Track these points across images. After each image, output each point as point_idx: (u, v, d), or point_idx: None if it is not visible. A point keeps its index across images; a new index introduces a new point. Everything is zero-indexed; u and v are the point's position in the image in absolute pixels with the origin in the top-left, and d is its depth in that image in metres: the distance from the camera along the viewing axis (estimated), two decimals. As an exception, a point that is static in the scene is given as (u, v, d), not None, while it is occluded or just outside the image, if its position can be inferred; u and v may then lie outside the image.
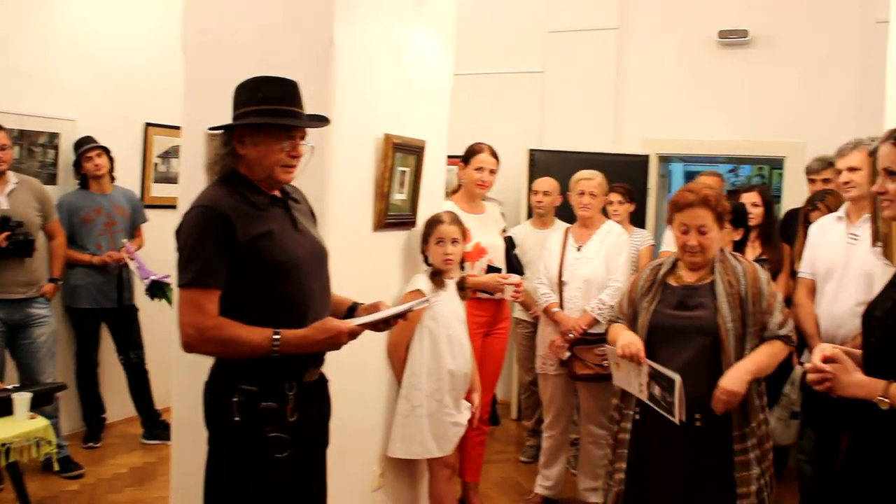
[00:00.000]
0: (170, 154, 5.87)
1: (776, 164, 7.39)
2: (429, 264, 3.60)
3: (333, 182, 3.08)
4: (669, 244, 4.63)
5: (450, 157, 4.10)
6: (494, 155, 4.14)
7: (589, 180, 4.25)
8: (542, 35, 6.62)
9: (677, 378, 2.68)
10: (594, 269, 4.15)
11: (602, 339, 3.99)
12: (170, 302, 4.83)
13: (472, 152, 4.13)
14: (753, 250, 4.38)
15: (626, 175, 5.53)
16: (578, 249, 4.25)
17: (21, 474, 3.69)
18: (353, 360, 3.13)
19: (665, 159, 6.79)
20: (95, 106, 5.31)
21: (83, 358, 5.11)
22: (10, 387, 3.78)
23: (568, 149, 6.04)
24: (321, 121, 2.46)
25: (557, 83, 6.54)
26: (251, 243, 2.22)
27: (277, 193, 2.39)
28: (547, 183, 5.00)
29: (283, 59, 3.03)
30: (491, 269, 4.02)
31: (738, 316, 2.83)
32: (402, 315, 2.43)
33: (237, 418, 2.24)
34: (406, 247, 3.65)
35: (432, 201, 3.78)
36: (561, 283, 4.21)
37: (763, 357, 2.82)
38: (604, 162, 5.27)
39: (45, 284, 4.63)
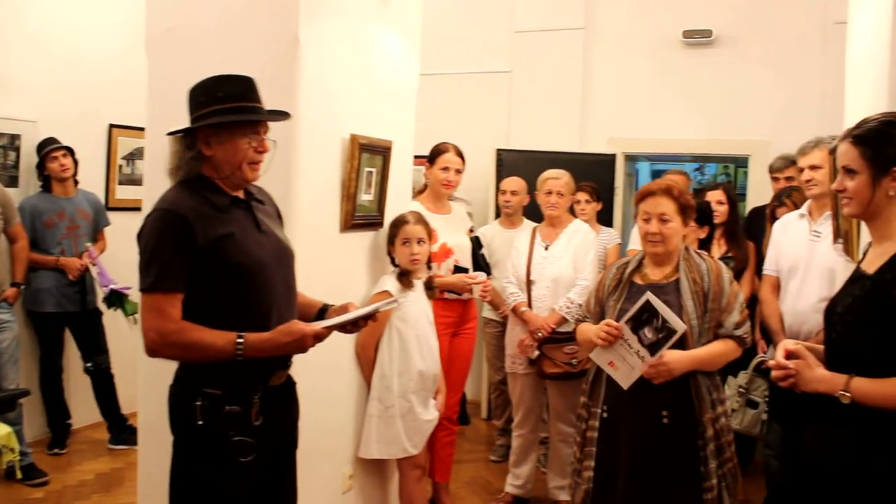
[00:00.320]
0: (135, 156, 5.79)
1: (741, 162, 7.46)
2: (395, 265, 3.60)
3: (300, 183, 3.06)
4: (636, 242, 4.66)
5: (417, 157, 4.09)
6: (460, 154, 4.14)
7: (556, 180, 4.27)
8: (508, 35, 6.63)
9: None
10: (562, 268, 4.17)
11: (570, 337, 4.03)
12: (126, 313, 4.78)
13: (437, 152, 4.13)
14: (719, 248, 4.43)
15: (593, 174, 5.55)
16: (546, 248, 4.26)
17: (-17, 483, 3.63)
18: (321, 362, 3.12)
19: (631, 158, 6.84)
20: (58, 107, 5.23)
21: (47, 363, 5.03)
22: (-29, 393, 3.72)
23: (535, 148, 6.06)
24: (282, 115, 2.45)
25: (524, 83, 6.56)
26: (212, 245, 2.19)
27: (240, 194, 2.37)
28: (515, 182, 5.01)
29: (247, 58, 2.99)
30: (458, 269, 4.02)
31: (701, 313, 2.87)
32: (370, 316, 2.41)
33: (200, 422, 2.21)
34: (373, 248, 3.64)
35: (399, 202, 3.77)
36: (529, 283, 4.23)
37: (713, 351, 2.86)
38: (571, 161, 5.30)
39: (8, 289, 4.56)
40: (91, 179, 5.37)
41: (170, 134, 2.35)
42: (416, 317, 3.53)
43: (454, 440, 4.31)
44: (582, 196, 5.00)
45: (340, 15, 3.26)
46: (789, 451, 3.58)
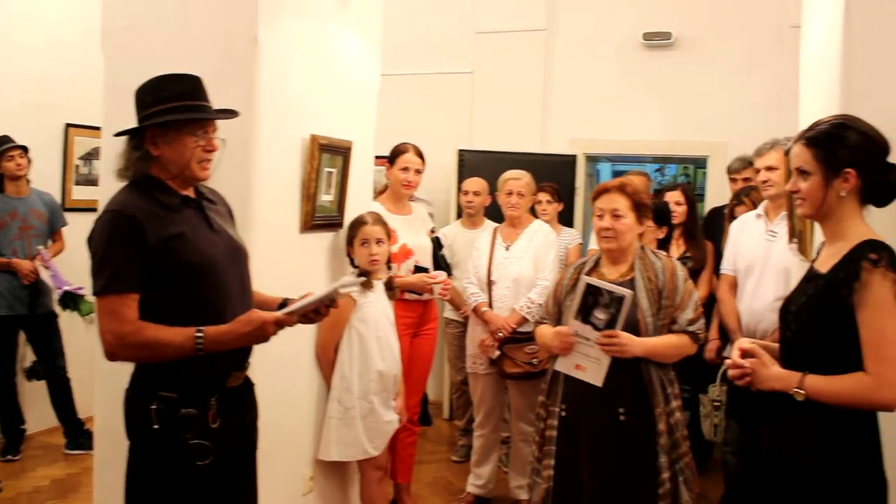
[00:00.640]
0: (92, 156, 5.71)
1: (700, 163, 7.55)
2: (355, 266, 3.58)
3: (259, 183, 3.04)
4: (595, 243, 4.70)
5: (378, 157, 4.08)
6: (420, 155, 4.14)
7: (516, 180, 4.29)
8: (470, 36, 6.64)
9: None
10: (523, 269, 4.19)
11: (531, 337, 4.03)
12: (81, 313, 4.71)
13: (397, 152, 4.12)
14: (678, 248, 4.48)
15: (555, 175, 5.58)
16: (507, 249, 4.27)
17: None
18: (280, 363, 3.10)
19: (592, 159, 6.89)
20: (12, 106, 5.13)
21: (0, 367, 4.93)
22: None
23: (497, 149, 6.08)
24: (230, 113, 2.42)
25: (486, 84, 6.57)
26: (163, 245, 2.17)
27: (191, 194, 2.35)
28: (477, 183, 5.01)
29: (206, 58, 2.97)
30: (418, 269, 4.02)
31: (656, 311, 2.90)
32: (331, 302, 2.37)
33: (156, 426, 2.18)
34: (333, 248, 3.62)
35: (360, 202, 3.75)
36: (490, 283, 4.23)
37: (666, 342, 2.89)
38: (532, 162, 5.32)
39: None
40: (47, 179, 5.28)
41: (117, 135, 2.32)
42: (376, 317, 3.51)
43: (415, 441, 4.30)
44: (543, 196, 5.02)
45: (300, 15, 3.24)
46: (746, 449, 3.62)
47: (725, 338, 4.03)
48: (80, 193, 5.67)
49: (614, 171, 8.97)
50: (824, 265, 2.10)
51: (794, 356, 2.13)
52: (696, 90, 6.10)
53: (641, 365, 2.86)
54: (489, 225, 4.77)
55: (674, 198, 4.51)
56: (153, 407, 2.19)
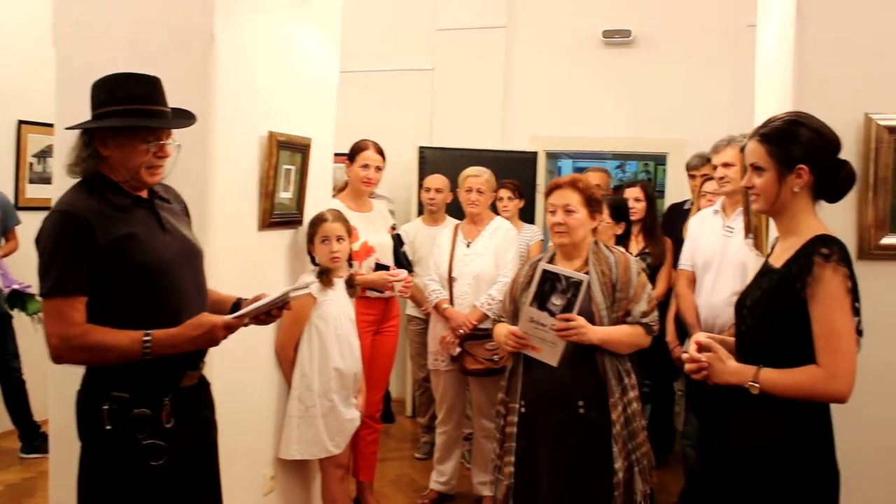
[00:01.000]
0: (46, 153, 5.60)
1: (661, 160, 7.63)
2: (316, 264, 3.56)
3: (216, 181, 3.00)
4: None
5: (339, 154, 4.06)
6: (380, 152, 4.12)
7: (476, 177, 4.29)
8: (430, 33, 6.64)
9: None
10: (483, 265, 4.19)
11: (492, 333, 4.05)
12: (28, 312, 4.63)
13: (357, 149, 4.10)
14: (637, 244, 4.52)
15: (516, 171, 5.60)
16: (468, 246, 4.28)
17: None
18: (239, 361, 3.07)
19: (553, 156, 6.92)
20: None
21: (-49, 370, 4.83)
22: None
23: (457, 146, 6.08)
24: (187, 118, 2.38)
25: (447, 80, 6.58)
26: (113, 246, 2.13)
27: (143, 194, 2.31)
28: (438, 180, 5.01)
29: (161, 54, 2.94)
30: (378, 266, 4.00)
31: (610, 304, 2.93)
32: (283, 305, 2.36)
33: (108, 427, 2.15)
34: (293, 246, 3.59)
35: (319, 199, 3.73)
36: (451, 280, 4.24)
37: (621, 330, 2.91)
38: (493, 158, 5.33)
39: None
40: (-1, 177, 5.17)
41: (68, 128, 2.27)
42: (336, 315, 3.50)
43: (377, 438, 4.29)
44: (504, 193, 5.03)
45: (258, 11, 3.21)
46: (705, 441, 3.66)
47: (683, 332, 4.07)
48: (33, 192, 5.56)
49: (575, 167, 9.01)
50: (778, 260, 2.13)
51: (749, 350, 2.16)
52: (656, 88, 6.15)
53: (597, 355, 2.88)
54: (451, 222, 4.77)
55: (633, 194, 4.54)
56: (105, 407, 2.16)
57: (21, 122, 5.46)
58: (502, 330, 3.05)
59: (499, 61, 6.48)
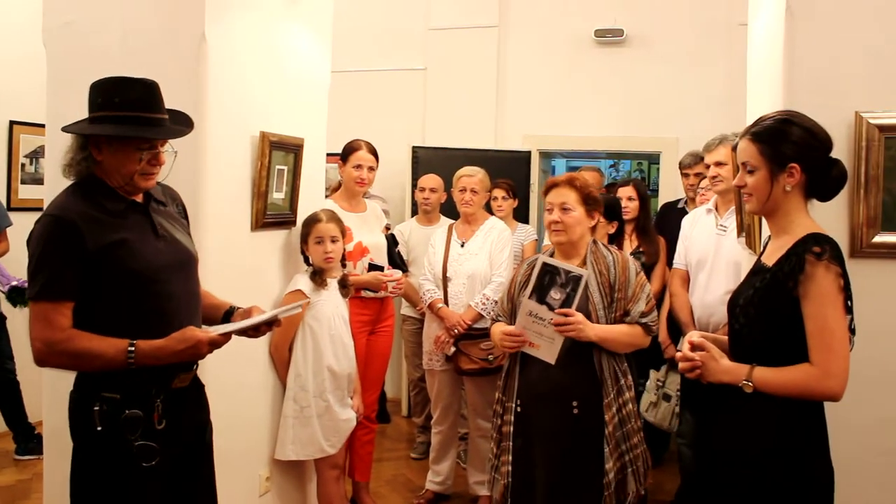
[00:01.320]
0: (38, 154, 5.58)
1: (654, 159, 7.64)
2: (309, 264, 3.56)
3: (209, 182, 3.00)
4: (550, 239, 4.73)
5: (332, 155, 4.05)
6: (373, 152, 4.11)
7: (470, 177, 4.29)
8: (422, 32, 6.64)
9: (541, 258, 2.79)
10: (478, 265, 4.19)
11: (487, 333, 4.04)
12: (26, 307, 4.61)
13: (349, 150, 4.10)
14: (630, 243, 4.53)
15: (509, 171, 5.60)
16: (462, 245, 4.28)
17: None
18: (234, 362, 3.07)
19: (547, 155, 6.93)
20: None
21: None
22: None
23: (451, 145, 6.08)
24: (184, 124, 2.36)
25: (439, 80, 6.58)
26: (103, 252, 2.13)
27: (138, 198, 2.30)
28: (433, 180, 5.01)
29: (151, 55, 2.94)
30: (372, 266, 4.00)
31: (608, 304, 2.93)
32: (272, 322, 2.37)
33: (99, 428, 2.15)
34: (286, 246, 3.60)
35: (312, 200, 3.73)
36: (445, 279, 4.24)
37: (619, 329, 2.91)
38: (487, 158, 5.34)
39: None
40: (-9, 178, 5.16)
41: (64, 130, 2.26)
42: (329, 315, 3.50)
43: (373, 438, 4.29)
44: (498, 193, 5.03)
45: (249, 11, 3.21)
46: (701, 440, 3.67)
47: (677, 331, 4.08)
48: (26, 192, 5.54)
49: (569, 166, 9.03)
50: (770, 258, 2.14)
51: (741, 348, 2.16)
52: (648, 87, 6.16)
53: (594, 354, 2.87)
54: (445, 221, 4.77)
55: (626, 193, 4.55)
56: (96, 408, 2.16)
57: (13, 123, 5.46)
58: (499, 330, 3.04)
59: (491, 61, 6.49)
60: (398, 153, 5.97)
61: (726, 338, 2.27)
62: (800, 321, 2.01)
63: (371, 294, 4.04)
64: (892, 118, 2.57)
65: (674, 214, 4.87)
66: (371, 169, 4.09)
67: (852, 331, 2.06)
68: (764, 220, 2.37)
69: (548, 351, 2.86)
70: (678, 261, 4.10)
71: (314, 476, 3.74)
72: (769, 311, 2.08)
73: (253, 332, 2.37)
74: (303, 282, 3.48)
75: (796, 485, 2.03)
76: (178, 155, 2.40)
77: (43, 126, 3.23)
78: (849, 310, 2.03)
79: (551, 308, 2.82)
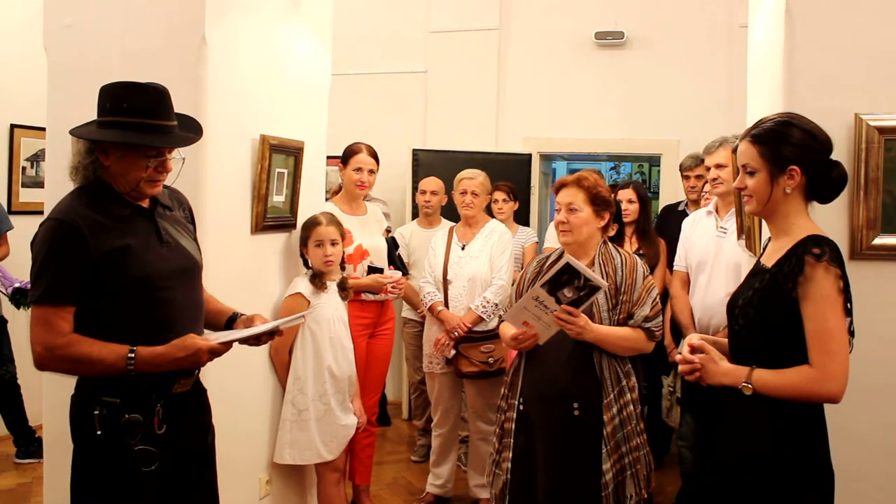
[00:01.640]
0: (39, 157, 5.59)
1: (655, 161, 7.63)
2: (309, 267, 3.56)
3: (209, 185, 3.00)
4: (551, 241, 4.73)
5: (332, 158, 4.05)
6: (373, 155, 4.12)
7: (471, 180, 4.29)
8: (423, 35, 6.64)
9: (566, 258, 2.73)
10: (478, 268, 4.19)
11: (487, 336, 4.06)
12: (28, 308, 4.61)
13: (349, 153, 4.10)
14: (630, 245, 4.52)
15: (510, 173, 5.61)
16: (463, 248, 4.28)
17: None
18: (234, 365, 3.07)
19: (547, 158, 6.92)
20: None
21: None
22: None
23: (451, 148, 6.09)
24: (193, 131, 2.35)
25: (440, 83, 6.57)
26: (106, 258, 2.13)
27: (144, 203, 2.29)
28: (434, 182, 5.01)
29: (152, 57, 2.94)
30: (372, 269, 4.00)
31: (612, 305, 2.91)
32: (274, 332, 2.37)
33: (99, 431, 2.15)
34: (286, 249, 3.60)
35: (312, 203, 3.73)
36: (446, 282, 4.23)
37: (620, 333, 2.89)
38: (487, 161, 5.34)
39: None
40: (-8, 182, 5.16)
41: (72, 134, 2.25)
42: (329, 318, 3.50)
43: (373, 441, 4.29)
44: (499, 195, 5.04)
45: (249, 14, 3.22)
46: (701, 443, 3.66)
47: (678, 334, 4.08)
48: (27, 196, 5.54)
49: (570, 169, 9.03)
50: (770, 260, 2.14)
51: (741, 349, 2.16)
52: (649, 89, 6.16)
53: (594, 356, 2.86)
54: (446, 224, 4.77)
55: (626, 196, 4.55)
56: (96, 412, 2.16)
57: (14, 126, 5.45)
58: (508, 330, 3.02)
59: (492, 63, 6.48)
60: (399, 156, 5.98)
61: (726, 340, 2.27)
62: (799, 323, 2.01)
63: (371, 297, 4.04)
64: (891, 120, 2.57)
65: (674, 216, 4.87)
66: (371, 172, 4.09)
67: (852, 333, 2.06)
68: (764, 222, 2.37)
69: (541, 332, 2.86)
70: (678, 263, 4.10)
71: (315, 479, 3.74)
72: (768, 313, 2.07)
73: (254, 340, 2.37)
74: (302, 285, 3.48)
75: (797, 488, 2.03)
76: (180, 170, 2.39)
77: (43, 129, 3.23)
78: (848, 312, 2.02)
79: (559, 302, 2.78)
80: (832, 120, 2.36)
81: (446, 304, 4.21)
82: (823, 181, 2.12)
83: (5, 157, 5.46)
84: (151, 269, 2.20)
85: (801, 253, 2.01)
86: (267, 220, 3.35)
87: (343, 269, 3.69)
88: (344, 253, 3.65)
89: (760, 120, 2.19)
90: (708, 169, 3.97)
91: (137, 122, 2.18)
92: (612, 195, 3.19)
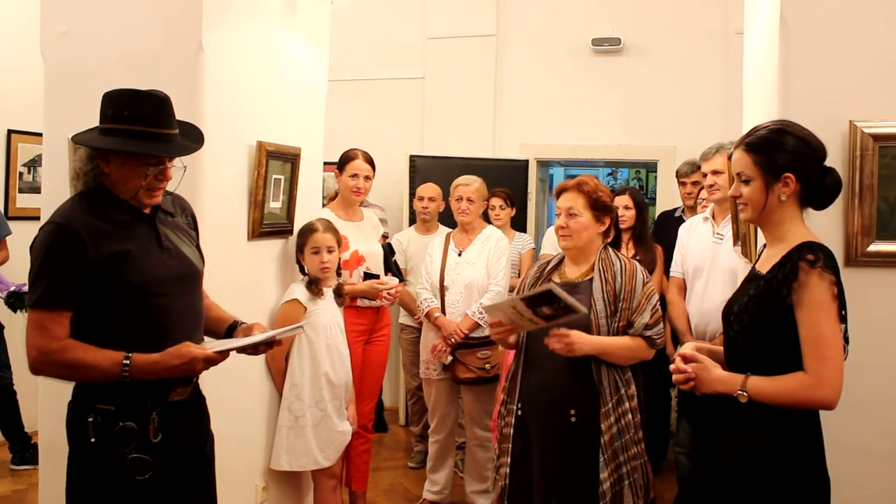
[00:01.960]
0: (37, 163, 5.57)
1: (652, 167, 7.64)
2: (305, 273, 3.56)
3: (205, 191, 3.00)
4: (548, 247, 4.74)
5: (330, 163, 4.05)
6: (369, 161, 4.12)
7: (467, 186, 4.30)
8: (420, 41, 6.65)
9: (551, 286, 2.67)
10: (475, 274, 4.19)
11: (484, 342, 4.06)
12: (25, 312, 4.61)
13: (346, 159, 4.10)
14: (627, 252, 4.52)
15: (507, 179, 5.62)
16: (459, 254, 4.28)
17: None
18: (231, 371, 3.05)
19: (545, 164, 6.93)
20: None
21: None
22: None
23: (449, 154, 6.10)
24: (194, 140, 2.35)
25: (437, 89, 6.58)
26: (104, 263, 2.12)
27: (145, 209, 2.28)
28: (431, 189, 5.01)
29: (149, 63, 2.94)
30: (368, 275, 4.00)
31: (611, 312, 2.88)
32: (271, 342, 2.37)
33: (93, 439, 2.15)
34: (283, 255, 3.60)
35: (309, 209, 3.73)
36: (443, 288, 4.24)
37: (619, 343, 2.87)
38: (484, 167, 5.35)
39: None
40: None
41: (73, 141, 2.25)
42: (326, 324, 3.50)
43: (370, 448, 4.27)
44: (496, 202, 5.04)
45: (246, 20, 3.22)
46: (698, 449, 3.66)
47: (675, 340, 4.08)
48: (24, 201, 5.53)
49: (567, 175, 9.03)
50: (765, 266, 2.14)
51: (736, 356, 2.16)
52: (646, 95, 6.17)
53: (592, 364, 2.84)
54: (443, 231, 4.78)
55: (622, 202, 4.56)
56: (90, 419, 2.15)
57: (10, 132, 5.45)
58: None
59: (489, 70, 6.50)
60: (396, 162, 5.98)
61: (722, 348, 2.27)
62: (794, 329, 2.01)
63: (367, 303, 4.03)
64: (886, 127, 2.57)
65: (671, 223, 4.87)
66: (367, 178, 4.09)
67: (846, 339, 2.06)
68: (759, 229, 2.38)
69: (518, 331, 2.88)
70: (675, 269, 4.11)
71: (311, 486, 3.73)
72: (763, 319, 2.07)
73: (251, 349, 2.36)
74: (299, 291, 3.48)
75: (792, 494, 2.03)
76: (182, 177, 2.39)
77: (40, 135, 3.23)
78: (843, 318, 2.02)
79: (536, 314, 2.76)
80: (827, 127, 2.37)
81: (443, 311, 4.22)
82: (818, 188, 2.12)
83: (2, 162, 5.45)
84: (150, 275, 2.20)
85: (796, 259, 2.02)
86: (264, 227, 3.35)
87: (339, 275, 3.69)
88: (340, 259, 3.65)
89: (754, 128, 2.19)
90: (704, 175, 3.98)
91: (138, 130, 2.18)
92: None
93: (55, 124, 3.09)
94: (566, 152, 6.61)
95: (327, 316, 3.51)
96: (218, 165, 3.06)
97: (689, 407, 3.96)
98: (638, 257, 4.50)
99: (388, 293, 3.94)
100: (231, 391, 3.13)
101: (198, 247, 2.47)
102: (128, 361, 2.11)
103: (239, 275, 3.22)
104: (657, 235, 4.83)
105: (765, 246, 2.25)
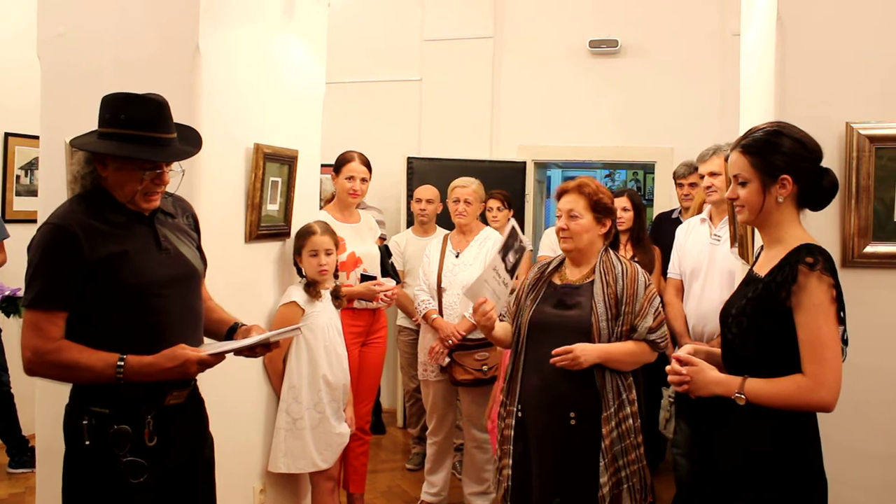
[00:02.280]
0: (33, 165, 5.57)
1: (650, 168, 7.64)
2: (303, 276, 3.56)
3: (203, 194, 2.99)
4: (546, 249, 4.74)
5: (327, 166, 4.05)
6: (365, 163, 4.12)
7: (464, 188, 4.30)
8: (418, 43, 6.65)
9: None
10: (472, 276, 4.14)
11: (481, 344, 4.05)
12: (20, 316, 4.60)
13: (342, 161, 4.11)
14: (625, 253, 4.53)
15: (505, 181, 5.62)
16: (457, 256, 4.29)
17: None
18: (229, 374, 3.05)
19: (542, 165, 6.93)
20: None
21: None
22: None
23: (446, 156, 6.10)
24: (192, 144, 2.34)
25: (434, 91, 6.58)
26: (101, 263, 2.12)
27: (144, 211, 2.28)
28: (429, 191, 5.01)
29: (146, 66, 2.94)
30: (365, 277, 3.99)
31: (612, 315, 2.86)
32: (268, 344, 2.36)
33: (88, 442, 2.14)
34: (280, 258, 3.59)
35: (307, 211, 3.73)
36: (440, 290, 4.24)
37: (623, 348, 2.85)
38: (482, 169, 5.35)
39: None
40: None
41: (71, 144, 2.24)
42: (323, 326, 3.50)
43: (367, 450, 4.27)
44: (494, 203, 5.04)
45: (243, 23, 3.22)
46: (696, 450, 3.66)
47: (672, 342, 4.07)
48: (20, 204, 5.53)
49: (565, 176, 9.04)
50: (763, 269, 2.14)
51: (734, 358, 2.16)
52: (643, 97, 6.17)
53: (595, 369, 2.82)
54: (441, 232, 4.78)
55: (620, 204, 4.55)
56: (85, 422, 2.15)
57: (8, 135, 5.45)
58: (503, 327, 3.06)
59: (486, 72, 6.50)
60: (393, 164, 5.98)
61: (720, 350, 2.27)
62: (792, 331, 2.01)
63: (364, 304, 4.04)
64: (882, 129, 2.57)
65: (668, 224, 4.87)
66: (364, 180, 4.10)
67: (845, 341, 2.06)
68: (756, 230, 2.38)
69: (497, 306, 2.91)
70: (672, 270, 4.11)
71: (309, 488, 3.73)
72: (761, 322, 2.07)
73: (248, 352, 2.35)
74: (297, 293, 3.48)
75: (790, 495, 2.03)
76: (180, 181, 2.38)
77: (37, 138, 3.23)
78: (841, 321, 2.03)
79: (506, 268, 2.85)
80: (823, 128, 2.38)
81: (441, 312, 4.22)
82: (815, 189, 2.13)
83: (-1, 165, 5.45)
84: (147, 275, 2.19)
85: (795, 262, 2.02)
86: (261, 229, 3.35)
87: (336, 276, 3.69)
88: (337, 261, 3.65)
89: (750, 130, 2.20)
90: (702, 177, 3.98)
91: (135, 135, 2.17)
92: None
93: (52, 127, 3.09)
94: (564, 154, 6.60)
95: (325, 318, 3.51)
96: (215, 168, 3.06)
97: (686, 408, 3.96)
98: (636, 259, 4.50)
99: (384, 295, 3.95)
100: (229, 393, 3.12)
101: (199, 248, 2.46)
102: (122, 363, 2.10)
103: (236, 277, 3.22)
104: (655, 237, 4.83)
105: (762, 247, 2.25)
